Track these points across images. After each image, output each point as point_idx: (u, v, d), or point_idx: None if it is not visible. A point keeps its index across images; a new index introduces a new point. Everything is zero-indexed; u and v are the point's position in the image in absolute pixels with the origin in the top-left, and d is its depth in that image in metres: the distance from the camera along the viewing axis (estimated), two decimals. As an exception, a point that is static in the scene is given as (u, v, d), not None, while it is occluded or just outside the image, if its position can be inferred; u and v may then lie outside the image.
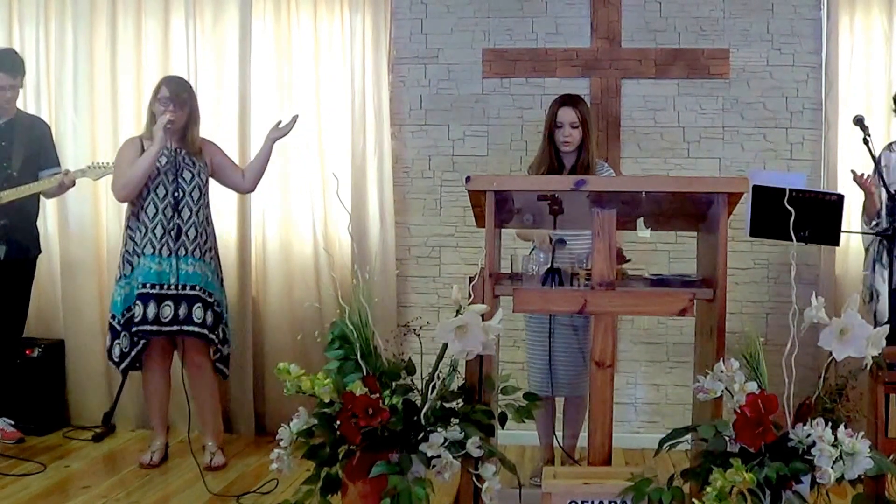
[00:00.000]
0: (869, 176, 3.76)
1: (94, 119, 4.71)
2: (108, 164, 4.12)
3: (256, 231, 4.68)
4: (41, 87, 4.75)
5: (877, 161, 3.81)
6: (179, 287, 3.91)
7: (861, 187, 3.74)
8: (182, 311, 3.90)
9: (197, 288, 3.95)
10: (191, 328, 3.92)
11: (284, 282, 4.67)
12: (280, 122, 4.11)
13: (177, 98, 3.94)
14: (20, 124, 4.29)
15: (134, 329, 3.89)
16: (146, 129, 4.03)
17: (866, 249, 3.96)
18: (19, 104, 4.43)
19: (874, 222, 3.83)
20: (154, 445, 4.10)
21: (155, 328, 3.88)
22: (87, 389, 4.73)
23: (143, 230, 3.92)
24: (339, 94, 4.61)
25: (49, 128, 4.47)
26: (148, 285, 3.89)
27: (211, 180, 4.13)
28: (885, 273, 3.78)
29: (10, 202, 4.12)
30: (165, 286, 3.91)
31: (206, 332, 3.95)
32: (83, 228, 4.72)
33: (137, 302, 3.88)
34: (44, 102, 4.74)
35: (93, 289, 4.73)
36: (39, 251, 4.48)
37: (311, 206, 4.63)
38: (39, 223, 4.47)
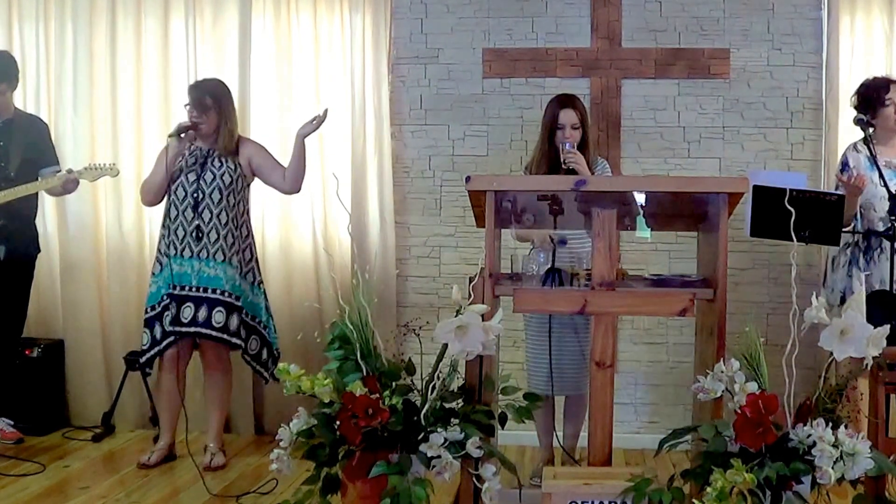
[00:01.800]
0: (860, 173, 3.69)
1: (93, 119, 4.71)
2: (104, 165, 4.14)
3: (256, 231, 4.66)
4: (41, 86, 4.74)
5: (844, 162, 3.84)
6: (201, 290, 3.94)
7: (854, 187, 3.66)
8: (202, 313, 3.92)
9: (219, 291, 3.95)
10: (208, 331, 3.93)
11: (284, 282, 4.67)
12: (314, 119, 4.02)
13: (199, 104, 3.98)
14: (18, 124, 4.28)
15: (170, 329, 3.92)
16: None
17: (839, 253, 3.92)
18: (18, 104, 4.42)
19: (851, 224, 3.82)
20: (157, 446, 4.10)
21: (181, 329, 3.92)
22: (87, 389, 4.73)
23: (166, 232, 3.98)
24: (339, 94, 4.61)
25: (47, 127, 4.46)
26: (177, 287, 3.92)
27: (257, 181, 4.17)
28: (863, 276, 3.77)
29: (8, 202, 4.11)
30: (187, 287, 3.93)
31: (224, 335, 3.94)
32: (83, 228, 4.72)
33: (172, 302, 3.91)
34: (43, 102, 4.74)
35: (92, 289, 4.72)
36: (38, 251, 4.47)
37: (311, 206, 4.63)
38: (39, 223, 4.47)
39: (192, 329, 3.92)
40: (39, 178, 4.24)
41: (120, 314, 4.70)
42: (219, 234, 3.97)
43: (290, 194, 4.25)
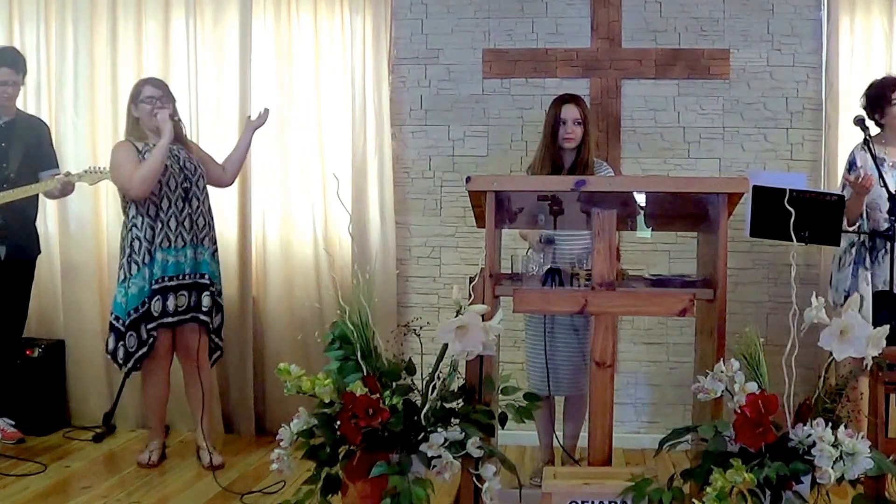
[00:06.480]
0: (867, 173, 3.71)
1: (94, 120, 4.71)
2: (102, 169, 4.12)
3: (257, 231, 4.68)
4: (42, 87, 4.75)
5: (851, 161, 3.83)
6: (197, 276, 3.99)
7: (861, 187, 3.67)
8: (194, 299, 3.99)
9: (206, 276, 4.02)
10: (198, 315, 3.99)
11: (284, 282, 4.67)
12: (250, 116, 4.21)
13: (165, 96, 4.01)
14: (20, 126, 4.29)
15: (152, 325, 3.90)
16: (129, 132, 4.05)
17: (844, 252, 3.91)
18: (20, 104, 4.43)
19: (857, 224, 3.82)
20: (152, 445, 4.11)
21: (172, 319, 3.95)
22: (88, 389, 4.73)
23: (159, 225, 3.93)
24: (339, 95, 4.61)
25: (49, 129, 4.46)
26: (166, 279, 3.93)
27: None
28: (868, 275, 3.77)
29: (7, 203, 4.11)
30: (181, 276, 3.96)
31: (209, 319, 4.02)
32: (83, 229, 4.73)
33: (157, 297, 3.90)
34: (44, 103, 4.75)
35: (93, 289, 4.73)
36: (39, 251, 4.48)
37: (312, 206, 4.63)
38: (39, 224, 4.47)
39: (188, 315, 3.98)
40: (39, 181, 4.24)
41: (120, 314, 4.71)
42: (205, 221, 4.06)
43: (224, 187, 4.28)
